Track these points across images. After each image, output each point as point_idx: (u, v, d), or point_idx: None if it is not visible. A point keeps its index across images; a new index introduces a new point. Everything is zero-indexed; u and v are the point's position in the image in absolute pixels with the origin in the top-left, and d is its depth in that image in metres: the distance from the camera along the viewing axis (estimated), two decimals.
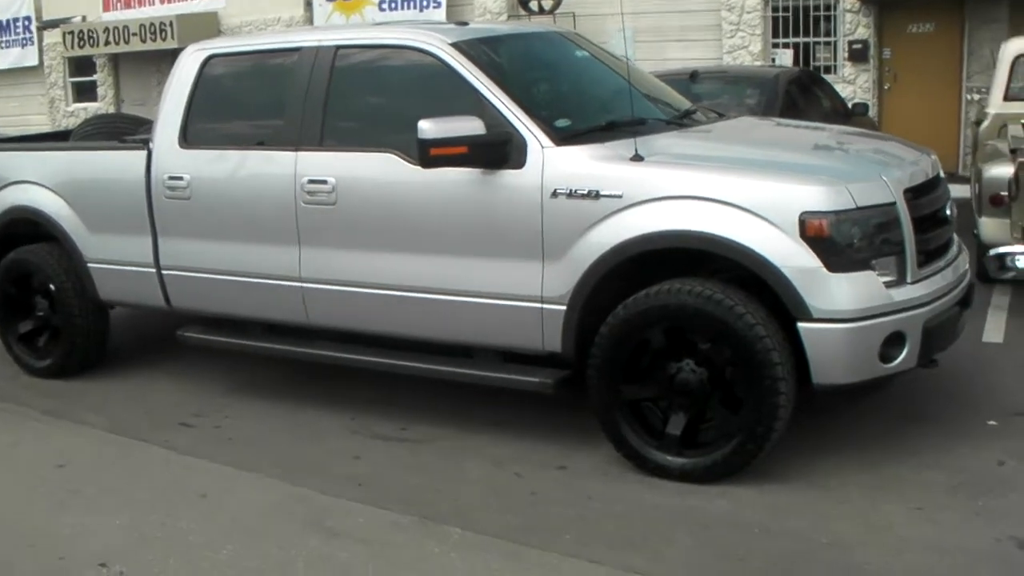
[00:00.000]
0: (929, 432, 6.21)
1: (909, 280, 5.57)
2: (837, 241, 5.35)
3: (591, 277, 5.76)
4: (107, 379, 8.16)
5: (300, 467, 6.25)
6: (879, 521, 5.19)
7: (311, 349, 6.99)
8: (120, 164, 7.61)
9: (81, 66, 25.76)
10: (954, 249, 6.24)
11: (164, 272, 7.45)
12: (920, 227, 5.68)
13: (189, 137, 7.25)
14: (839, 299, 5.33)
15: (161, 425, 7.09)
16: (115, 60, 25.09)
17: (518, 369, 6.22)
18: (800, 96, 11.47)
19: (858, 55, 17.43)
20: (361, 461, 6.31)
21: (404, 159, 6.23)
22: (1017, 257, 8.25)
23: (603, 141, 5.99)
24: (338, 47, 6.76)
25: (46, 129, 21.98)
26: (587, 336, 5.86)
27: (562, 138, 5.97)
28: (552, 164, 5.86)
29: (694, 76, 11.11)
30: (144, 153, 7.43)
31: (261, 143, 6.96)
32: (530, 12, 19.48)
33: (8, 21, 26.63)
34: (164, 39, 22.74)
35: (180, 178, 7.18)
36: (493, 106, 6.06)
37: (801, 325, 5.37)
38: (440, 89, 6.32)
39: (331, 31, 7.46)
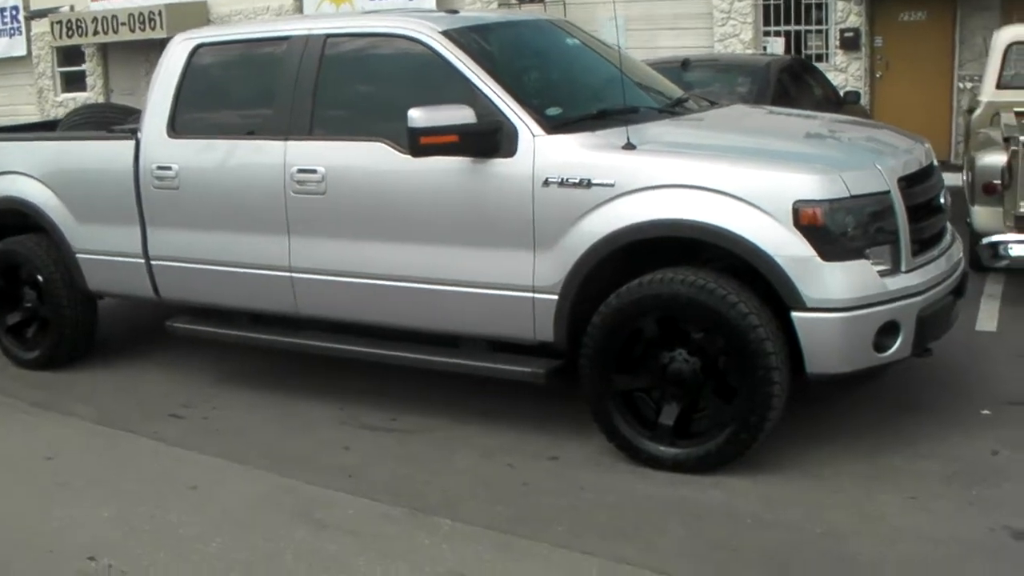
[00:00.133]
0: (923, 421, 6.19)
1: (903, 269, 5.54)
2: (831, 230, 5.31)
3: (583, 266, 5.72)
4: (96, 370, 8.12)
5: (289, 458, 6.21)
6: (873, 511, 5.17)
7: (300, 339, 6.95)
8: (108, 154, 7.56)
9: (69, 56, 25.66)
10: (948, 238, 6.21)
11: (152, 262, 7.40)
12: (914, 216, 5.65)
13: (177, 127, 7.20)
14: (833, 288, 5.30)
15: (150, 416, 7.05)
16: (104, 50, 24.99)
17: (510, 359, 6.18)
18: (792, 84, 11.43)
19: (850, 43, 17.39)
20: (350, 452, 6.27)
21: (394, 148, 6.18)
22: (1010, 245, 8.27)
23: (595, 129, 5.95)
24: (327, 36, 6.71)
25: (35, 119, 21.89)
26: (579, 326, 5.83)
27: (553, 126, 5.93)
28: (543, 153, 5.81)
29: (685, 64, 11.06)
30: (132, 143, 7.38)
31: (250, 133, 6.90)
32: (521, 0, 19.41)
33: None
34: (153, 28, 22.65)
35: (168, 168, 7.12)
36: (484, 94, 6.02)
37: (795, 314, 5.34)
38: (430, 78, 6.27)
39: (320, 20, 7.41)
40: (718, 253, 5.56)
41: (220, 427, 6.84)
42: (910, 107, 16.56)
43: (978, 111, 11.08)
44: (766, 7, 18.10)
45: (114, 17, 23.53)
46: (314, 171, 6.47)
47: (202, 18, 22.34)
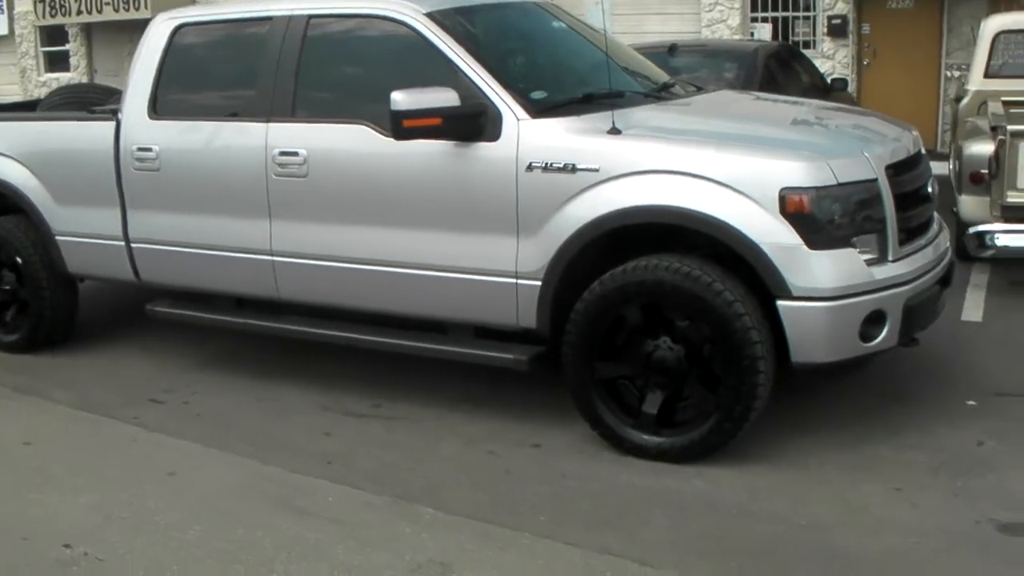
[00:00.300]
0: (909, 412, 6.16)
1: (890, 258, 5.49)
2: (818, 218, 5.26)
3: (567, 252, 5.67)
4: (76, 354, 8.05)
5: (270, 444, 6.15)
6: (858, 502, 5.13)
7: (283, 324, 6.89)
8: (88, 135, 7.48)
9: (53, 35, 25.48)
10: (935, 227, 6.17)
11: (133, 245, 7.33)
12: (902, 204, 5.61)
13: (159, 108, 7.13)
14: (819, 277, 5.25)
15: (130, 401, 6.98)
16: (88, 30, 24.83)
17: (493, 345, 6.13)
18: (779, 71, 11.39)
19: (837, 30, 17.38)
20: (332, 438, 6.21)
21: (377, 131, 6.12)
22: (997, 235, 8.27)
23: (580, 114, 5.88)
24: (310, 16, 6.63)
25: (17, 99, 21.74)
26: (562, 312, 5.77)
27: (538, 110, 5.87)
28: (527, 137, 5.75)
29: (672, 50, 11.01)
30: (113, 124, 7.30)
31: (232, 114, 6.82)
32: None
33: None
34: (137, 8, 22.51)
35: (149, 149, 7.05)
36: (468, 77, 5.95)
37: (780, 303, 5.29)
38: (414, 60, 6.20)
39: (304, 0, 7.31)
40: (703, 240, 5.50)
41: (201, 412, 6.77)
42: (897, 95, 16.54)
43: (965, 100, 11.06)
44: None
45: None
46: (296, 154, 6.40)
47: None
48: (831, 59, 17.39)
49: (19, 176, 7.82)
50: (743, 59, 11.05)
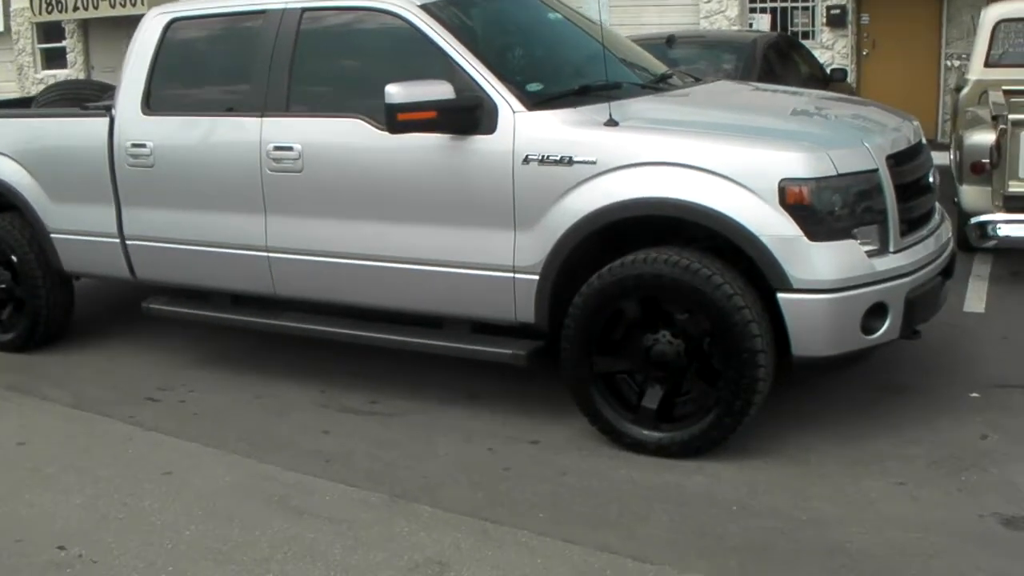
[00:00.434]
0: (911, 405, 6.11)
1: (892, 249, 5.44)
2: (818, 209, 5.21)
3: (564, 246, 5.61)
4: (72, 352, 8.00)
5: (267, 442, 6.11)
6: (860, 497, 5.08)
7: (280, 320, 6.84)
8: (82, 132, 7.43)
9: (50, 32, 25.43)
10: (936, 218, 6.12)
11: (128, 242, 7.28)
12: (903, 195, 5.55)
13: (152, 103, 7.07)
14: (820, 269, 5.19)
15: (126, 400, 6.93)
16: (85, 26, 24.76)
17: (491, 341, 6.08)
18: (778, 61, 11.33)
19: (836, 20, 17.32)
20: (330, 436, 6.16)
21: (372, 125, 6.06)
22: (999, 225, 8.23)
23: (576, 106, 5.83)
24: (304, 9, 6.57)
25: (15, 97, 21.68)
26: (561, 307, 5.72)
27: (534, 103, 5.81)
28: (523, 129, 5.69)
29: (671, 41, 10.95)
30: (106, 120, 7.25)
31: (226, 109, 6.77)
32: None
33: None
34: (134, 4, 22.42)
35: (143, 145, 7.00)
36: (463, 70, 5.89)
37: (781, 296, 5.23)
38: (409, 52, 6.15)
39: None
40: (702, 232, 5.44)
41: (197, 410, 6.71)
42: (897, 85, 16.49)
43: (966, 90, 11.00)
44: None
45: None
46: (290, 148, 6.35)
47: None
48: (830, 49, 17.33)
49: (13, 173, 7.77)
50: (742, 50, 11.00)
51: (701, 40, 12.31)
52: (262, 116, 6.50)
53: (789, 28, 17.68)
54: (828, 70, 13.34)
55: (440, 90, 5.67)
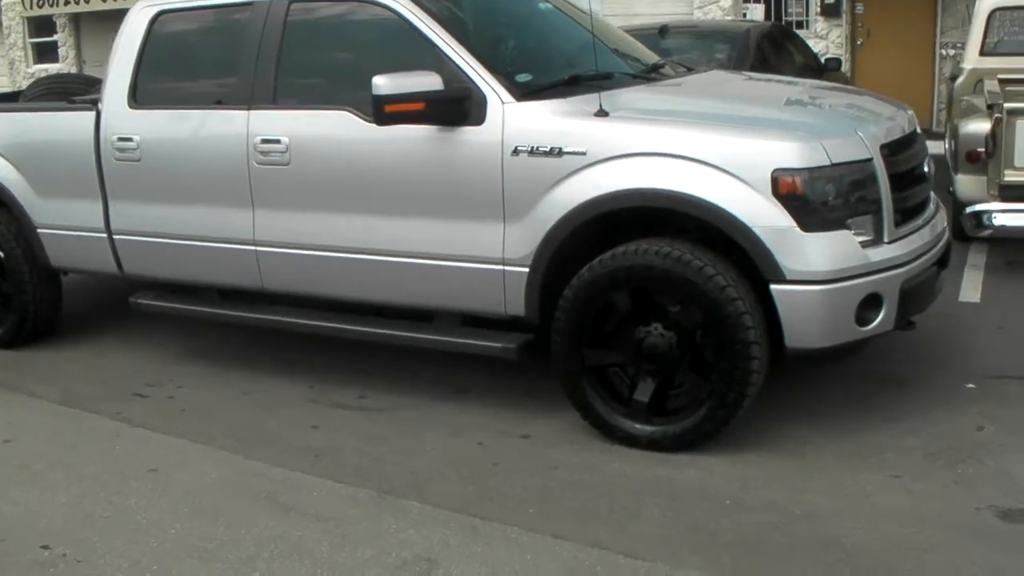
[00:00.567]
0: (906, 397, 6.06)
1: (886, 240, 5.37)
2: (811, 199, 5.14)
3: (554, 238, 5.54)
4: (59, 348, 7.93)
5: (255, 438, 6.04)
6: (855, 491, 5.02)
7: (268, 315, 6.77)
8: (68, 126, 7.35)
9: (41, 26, 25.36)
10: (931, 207, 6.06)
11: (115, 237, 7.21)
12: (897, 185, 5.48)
13: (139, 97, 7.00)
14: (813, 260, 5.12)
15: (114, 396, 6.86)
16: (76, 20, 24.69)
17: (480, 334, 6.01)
18: (771, 51, 11.28)
19: (830, 10, 17.27)
20: (318, 431, 6.10)
21: (359, 117, 5.99)
22: (994, 215, 8.21)
23: (566, 96, 5.75)
24: (291, 1, 6.49)
25: (7, 91, 21.62)
26: (551, 299, 5.65)
27: (523, 93, 5.73)
28: (513, 120, 5.62)
29: (663, 31, 10.90)
30: (93, 114, 7.17)
31: (213, 102, 6.68)
32: None
33: None
34: None
35: (130, 139, 6.92)
36: (451, 60, 5.81)
37: (774, 287, 5.16)
38: (397, 43, 6.08)
39: None
40: (694, 223, 5.37)
41: (185, 406, 6.65)
42: (891, 75, 16.45)
43: (961, 79, 10.95)
44: None
45: None
46: (278, 141, 6.28)
47: None
48: (824, 39, 17.28)
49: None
50: (735, 40, 10.95)
51: (694, 30, 12.28)
52: (249, 109, 6.42)
53: (783, 18, 17.63)
54: (822, 60, 13.32)
55: (428, 81, 5.60)
